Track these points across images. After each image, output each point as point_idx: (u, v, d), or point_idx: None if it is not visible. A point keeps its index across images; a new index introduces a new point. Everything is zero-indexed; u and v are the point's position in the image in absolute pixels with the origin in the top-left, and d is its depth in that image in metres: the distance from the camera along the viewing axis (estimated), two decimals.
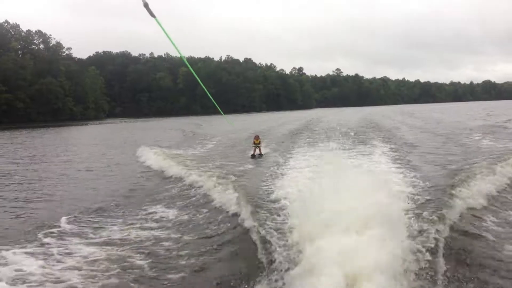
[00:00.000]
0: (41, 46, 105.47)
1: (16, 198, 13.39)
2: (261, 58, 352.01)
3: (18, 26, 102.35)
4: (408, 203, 9.32)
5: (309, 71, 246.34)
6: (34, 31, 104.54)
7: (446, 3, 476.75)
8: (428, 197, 10.10)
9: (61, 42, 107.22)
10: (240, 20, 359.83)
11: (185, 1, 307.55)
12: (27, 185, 15.69)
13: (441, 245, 6.98)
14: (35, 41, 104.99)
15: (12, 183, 16.25)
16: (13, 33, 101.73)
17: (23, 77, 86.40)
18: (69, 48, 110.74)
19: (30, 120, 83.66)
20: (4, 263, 7.19)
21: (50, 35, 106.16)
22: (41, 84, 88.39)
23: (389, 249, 5.67)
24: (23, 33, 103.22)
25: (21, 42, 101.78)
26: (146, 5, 5.10)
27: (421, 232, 7.33)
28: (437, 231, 7.46)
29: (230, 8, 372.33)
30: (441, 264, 6.31)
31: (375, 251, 5.56)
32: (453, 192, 10.48)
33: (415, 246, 6.43)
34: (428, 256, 6.33)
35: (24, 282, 6.53)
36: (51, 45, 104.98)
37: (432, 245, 6.78)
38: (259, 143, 21.08)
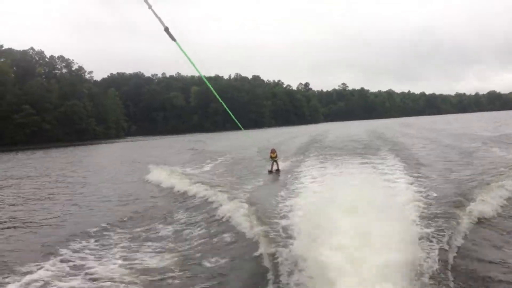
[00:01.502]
0: (64, 70, 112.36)
1: (25, 216, 14.18)
2: (266, 75, 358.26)
3: (42, 52, 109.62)
4: (418, 213, 9.65)
5: (315, 86, 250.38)
6: (56, 56, 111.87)
7: (447, 15, 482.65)
8: (437, 207, 10.37)
9: (83, 66, 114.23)
10: (241, 38, 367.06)
11: (183, 21, 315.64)
12: (41, 203, 16.65)
13: (450, 255, 7.35)
14: (57, 65, 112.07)
15: (24, 203, 16.99)
16: (37, 58, 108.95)
17: (50, 100, 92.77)
18: (90, 72, 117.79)
19: (57, 140, 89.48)
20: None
21: (73, 60, 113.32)
22: (66, 106, 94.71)
23: (398, 258, 5.87)
24: (46, 59, 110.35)
25: (45, 67, 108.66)
26: (166, 29, 5.37)
27: (430, 241, 7.79)
28: (448, 241, 7.88)
29: (227, 27, 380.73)
30: (450, 274, 6.62)
31: (384, 260, 5.72)
32: (463, 201, 10.83)
33: (424, 256, 6.85)
34: (437, 265, 6.69)
35: None
36: (73, 69, 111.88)
37: (442, 254, 7.19)
38: (275, 156, 20.65)
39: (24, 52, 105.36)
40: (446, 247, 7.62)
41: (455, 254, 7.52)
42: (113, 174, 26.69)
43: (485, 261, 7.54)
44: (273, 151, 20.70)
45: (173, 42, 5.62)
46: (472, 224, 9.51)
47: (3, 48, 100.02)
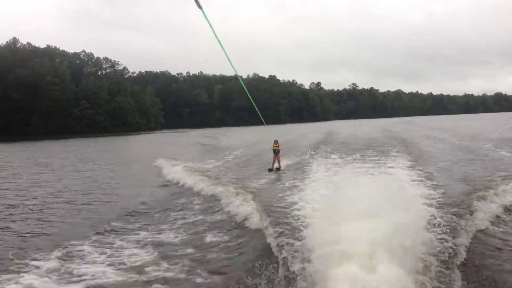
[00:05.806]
0: (108, 70, 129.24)
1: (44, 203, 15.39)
2: (280, 73, 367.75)
3: (92, 54, 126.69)
4: (428, 213, 9.39)
5: (325, 85, 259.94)
6: (102, 58, 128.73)
7: (455, 15, 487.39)
8: (447, 208, 10.34)
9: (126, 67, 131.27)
10: (247, 36, 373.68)
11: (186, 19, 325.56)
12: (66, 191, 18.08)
13: (458, 256, 7.41)
14: (103, 66, 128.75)
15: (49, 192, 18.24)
16: (86, 59, 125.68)
17: (101, 96, 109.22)
18: (133, 72, 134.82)
19: (106, 131, 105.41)
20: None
21: (119, 61, 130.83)
22: (115, 102, 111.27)
23: (407, 258, 6.12)
24: (93, 60, 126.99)
25: (93, 67, 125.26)
26: None
27: (439, 242, 7.66)
28: (455, 243, 7.83)
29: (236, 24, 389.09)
30: (456, 275, 6.66)
31: (393, 260, 5.90)
32: (472, 203, 10.83)
33: (432, 256, 6.87)
34: (443, 266, 6.73)
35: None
36: (118, 69, 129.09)
37: (450, 255, 7.24)
38: (278, 147, 20.67)
39: (76, 54, 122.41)
40: (457, 246, 7.67)
41: (466, 255, 7.60)
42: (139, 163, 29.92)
43: (495, 262, 7.69)
44: (276, 142, 21.23)
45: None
46: (481, 224, 9.63)
47: (60, 50, 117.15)
